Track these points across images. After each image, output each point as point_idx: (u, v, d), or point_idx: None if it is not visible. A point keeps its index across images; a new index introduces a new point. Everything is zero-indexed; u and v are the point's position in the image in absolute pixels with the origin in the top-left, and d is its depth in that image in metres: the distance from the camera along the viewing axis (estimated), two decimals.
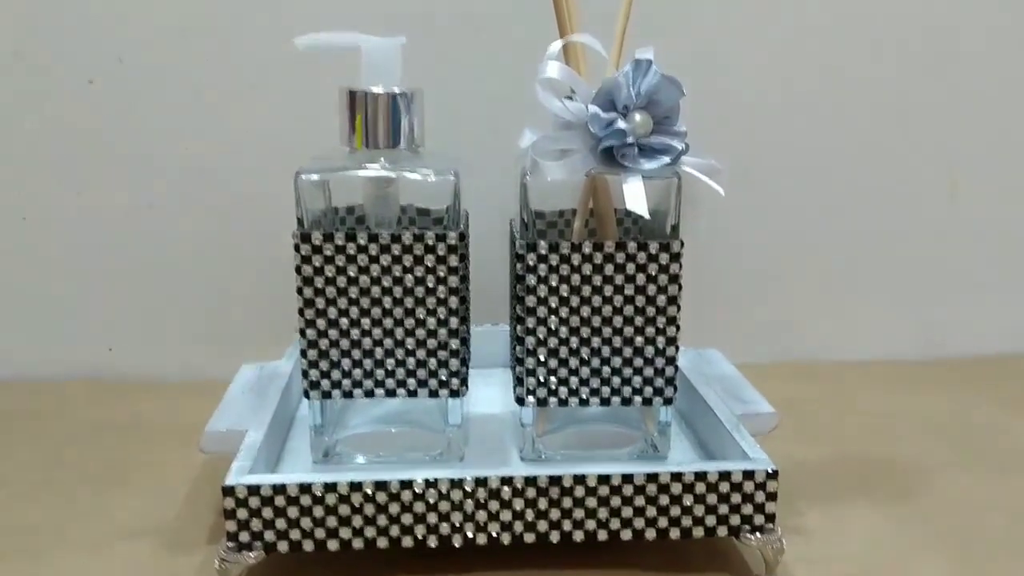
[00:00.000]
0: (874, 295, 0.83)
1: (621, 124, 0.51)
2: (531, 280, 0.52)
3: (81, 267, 0.77)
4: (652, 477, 0.47)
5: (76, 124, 0.74)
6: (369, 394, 0.54)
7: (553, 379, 0.54)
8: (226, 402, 0.58)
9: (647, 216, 0.50)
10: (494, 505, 0.47)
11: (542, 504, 0.48)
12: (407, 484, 0.47)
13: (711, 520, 0.48)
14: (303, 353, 0.54)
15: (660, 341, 0.53)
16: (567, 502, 0.48)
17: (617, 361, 0.53)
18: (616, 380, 0.53)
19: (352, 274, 0.52)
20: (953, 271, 0.84)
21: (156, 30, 0.73)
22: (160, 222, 0.76)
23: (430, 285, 0.53)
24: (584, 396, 0.54)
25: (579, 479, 0.47)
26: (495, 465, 0.55)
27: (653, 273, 0.52)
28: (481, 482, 0.47)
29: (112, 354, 0.78)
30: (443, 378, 0.54)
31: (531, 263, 0.52)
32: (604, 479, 0.47)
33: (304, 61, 0.56)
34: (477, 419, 0.61)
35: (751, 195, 0.80)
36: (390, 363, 0.53)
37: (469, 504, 0.47)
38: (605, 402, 0.54)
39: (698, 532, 0.48)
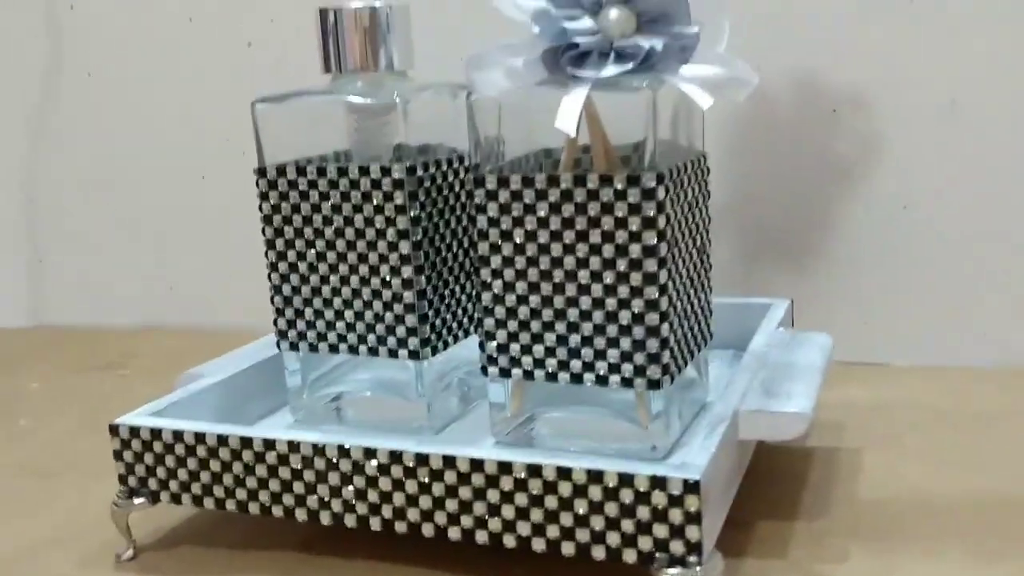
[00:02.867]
0: None
1: (584, 22, 0.40)
2: (481, 222, 0.43)
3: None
4: (535, 470, 0.36)
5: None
6: (333, 350, 0.48)
7: (515, 346, 0.44)
8: (248, 348, 0.56)
9: (572, 134, 0.38)
10: (359, 481, 0.40)
11: (411, 488, 0.39)
12: (271, 444, 0.41)
13: (614, 539, 0.36)
14: (271, 299, 0.49)
15: (637, 305, 0.41)
16: (438, 489, 0.38)
17: (587, 328, 0.42)
18: (587, 352, 0.42)
19: (305, 213, 0.47)
20: None
21: None
22: None
23: (379, 227, 0.46)
24: (551, 369, 0.43)
25: (449, 461, 0.38)
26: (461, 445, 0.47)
27: (621, 215, 0.40)
28: (344, 452, 0.40)
29: None
30: (400, 336, 0.46)
31: (480, 201, 0.43)
32: (478, 465, 0.37)
33: None
34: None
35: (960, 131, 0.60)
36: (349, 315, 0.47)
37: (333, 477, 0.40)
38: (576, 378, 0.43)
39: (598, 552, 0.36)
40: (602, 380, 0.42)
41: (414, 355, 0.47)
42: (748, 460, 0.44)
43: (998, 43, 0.58)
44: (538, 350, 0.43)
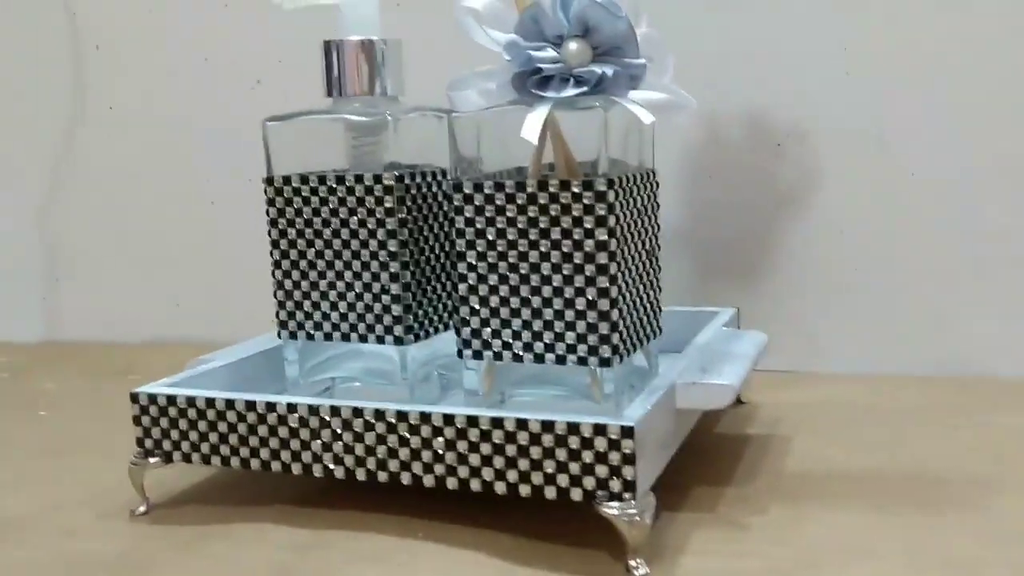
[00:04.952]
0: None
1: (547, 52, 0.47)
2: (459, 222, 0.50)
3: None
4: (497, 422, 0.43)
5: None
6: (328, 337, 0.55)
7: (487, 330, 0.50)
8: (253, 340, 0.62)
9: (534, 143, 0.46)
10: (348, 437, 0.46)
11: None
12: (271, 406, 0.47)
13: (563, 480, 0.42)
14: (274, 293, 0.56)
15: (591, 292, 0.48)
16: (415, 442, 0.45)
17: (548, 313, 0.49)
18: (548, 335, 0.49)
19: (307, 216, 0.54)
20: None
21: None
22: None
23: (371, 227, 0.53)
24: (517, 351, 0.50)
25: (425, 417, 0.44)
26: None
27: (577, 215, 0.47)
28: (335, 411, 0.46)
29: None
30: (387, 324, 0.53)
31: (457, 203, 0.50)
32: (449, 419, 0.44)
33: None
34: None
35: (889, 164, 0.68)
36: (343, 306, 0.54)
37: (327, 434, 0.46)
38: (539, 359, 0.49)
39: (550, 492, 0.42)
40: (561, 360, 0.49)
41: (399, 341, 0.53)
42: (688, 430, 0.51)
43: (921, 86, 0.66)
44: (506, 334, 0.50)
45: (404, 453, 0.45)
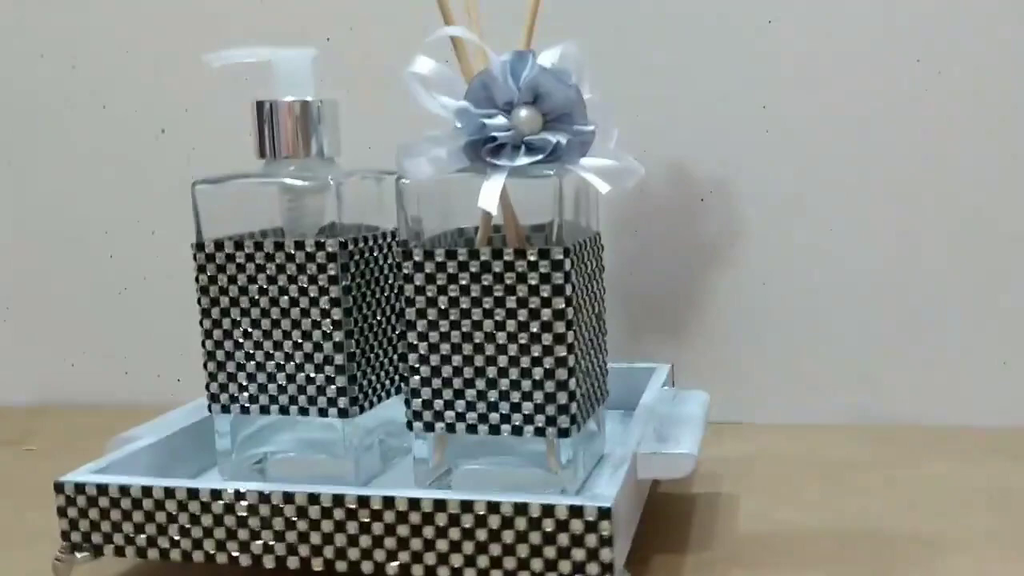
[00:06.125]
0: (974, 351, 0.69)
1: (498, 120, 0.46)
2: (408, 290, 0.48)
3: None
4: (467, 506, 0.41)
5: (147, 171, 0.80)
6: (264, 410, 0.52)
7: (439, 402, 0.49)
8: (178, 412, 0.59)
9: (493, 212, 0.45)
10: (303, 524, 0.44)
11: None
12: (217, 494, 0.44)
13: (537, 564, 0.41)
14: (204, 365, 0.53)
15: (548, 362, 0.47)
16: (378, 528, 0.43)
17: (504, 383, 0.48)
18: (504, 406, 0.48)
19: (242, 283, 0.51)
20: None
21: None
22: None
23: (312, 295, 0.50)
24: (471, 422, 0.48)
25: (388, 501, 0.42)
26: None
27: (534, 283, 0.46)
28: (289, 498, 0.44)
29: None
30: (330, 396, 0.51)
31: (407, 271, 0.48)
32: (415, 504, 0.42)
33: None
34: None
35: (809, 218, 0.70)
36: (281, 378, 0.52)
37: (279, 522, 0.44)
38: (494, 430, 0.48)
39: None
40: (517, 431, 0.48)
41: (343, 413, 0.51)
42: (644, 501, 0.50)
43: (837, 143, 0.68)
44: (460, 405, 0.48)
45: (365, 540, 0.43)
